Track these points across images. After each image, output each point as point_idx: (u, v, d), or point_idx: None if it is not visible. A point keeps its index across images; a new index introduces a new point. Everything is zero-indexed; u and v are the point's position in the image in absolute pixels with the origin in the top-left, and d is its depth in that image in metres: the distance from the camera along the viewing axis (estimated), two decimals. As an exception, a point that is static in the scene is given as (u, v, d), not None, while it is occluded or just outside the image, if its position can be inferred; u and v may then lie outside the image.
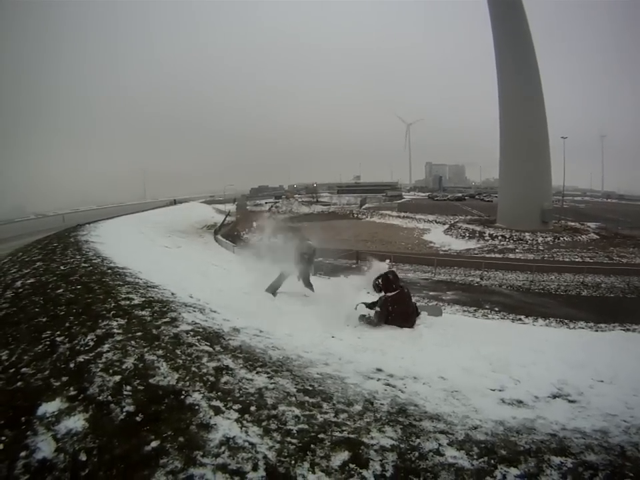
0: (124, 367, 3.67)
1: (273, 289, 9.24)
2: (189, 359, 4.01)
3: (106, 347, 4.14)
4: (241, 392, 3.36)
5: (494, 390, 4.12)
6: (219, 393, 3.29)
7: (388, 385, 4.03)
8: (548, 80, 46.36)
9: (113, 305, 5.84)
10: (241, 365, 4.01)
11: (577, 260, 32.09)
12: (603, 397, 3.95)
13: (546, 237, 39.90)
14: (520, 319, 17.34)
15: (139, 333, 4.61)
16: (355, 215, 67.98)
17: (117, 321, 5.03)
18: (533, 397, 3.92)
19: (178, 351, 4.17)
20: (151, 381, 3.43)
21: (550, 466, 2.57)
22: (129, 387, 3.28)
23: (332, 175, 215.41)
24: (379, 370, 4.47)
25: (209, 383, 3.48)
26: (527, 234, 40.44)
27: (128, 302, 6.08)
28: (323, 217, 67.08)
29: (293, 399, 3.36)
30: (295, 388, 3.60)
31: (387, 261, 9.24)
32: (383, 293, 7.22)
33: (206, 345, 4.52)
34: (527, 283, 25.13)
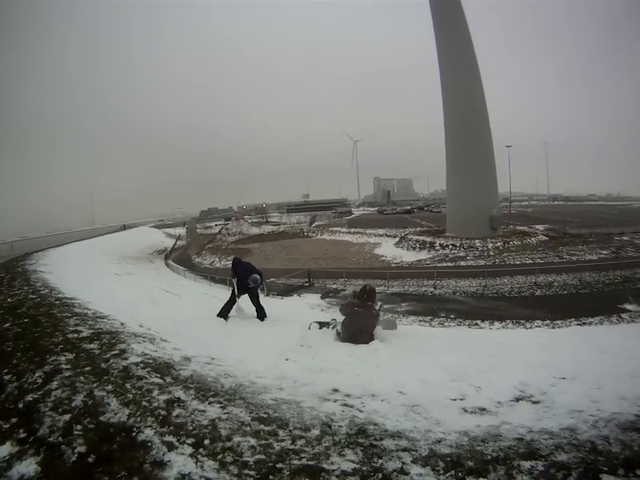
0: (73, 404, 3.50)
1: (225, 313, 9.07)
2: (139, 392, 3.83)
3: (54, 384, 3.96)
4: (193, 425, 3.22)
5: (455, 400, 4.05)
6: (171, 427, 3.15)
7: (345, 405, 3.91)
8: (491, 91, 47.60)
9: (60, 338, 5.63)
10: (193, 396, 3.85)
11: (527, 262, 32.89)
12: (566, 394, 3.97)
13: (496, 243, 40.61)
14: (476, 324, 17.60)
15: (88, 368, 4.42)
16: (306, 234, 68.53)
17: (65, 355, 4.84)
18: (496, 403, 3.90)
19: (128, 385, 4.00)
20: (101, 418, 3.26)
21: (520, 471, 2.53)
22: (79, 426, 3.12)
23: (281, 195, 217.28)
24: (336, 390, 4.34)
25: (161, 417, 3.33)
26: (477, 241, 41.11)
27: (76, 335, 5.85)
28: (274, 236, 67.99)
29: (248, 428, 3.23)
30: (249, 416, 3.46)
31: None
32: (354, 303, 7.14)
33: (156, 376, 4.34)
34: (481, 289, 25.40)
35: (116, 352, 5.09)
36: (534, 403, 3.87)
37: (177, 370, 4.68)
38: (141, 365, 4.66)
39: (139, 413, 3.38)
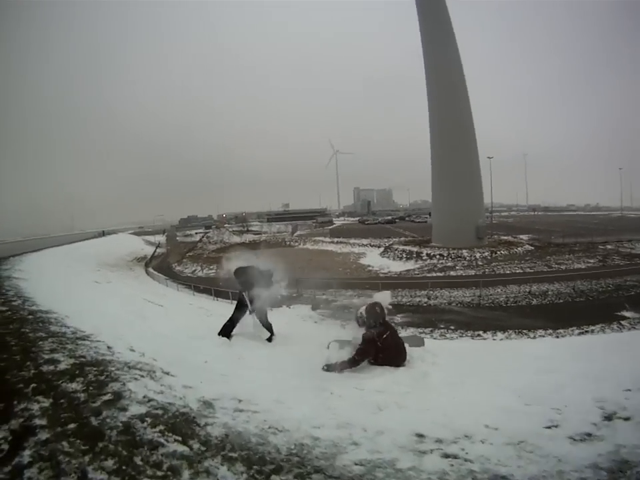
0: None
1: (227, 332, 7.83)
2: (161, 476, 2.43)
3: (27, 455, 2.56)
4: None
5: (550, 427, 3.60)
6: None
7: (447, 456, 3.09)
8: (475, 103, 47.82)
9: (32, 371, 4.26)
10: (246, 477, 2.51)
11: (517, 271, 32.63)
12: (650, 407, 3.73)
13: (483, 252, 40.44)
14: (479, 335, 17.09)
15: (72, 425, 3.01)
16: (288, 243, 68.45)
17: (38, 402, 3.43)
18: (592, 425, 3.53)
19: (138, 460, 2.57)
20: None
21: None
22: None
23: (260, 204, 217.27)
24: (420, 436, 3.46)
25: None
26: (464, 251, 40.82)
27: (52, 367, 4.46)
28: (255, 245, 67.21)
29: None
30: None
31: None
32: (363, 329, 6.12)
33: (176, 440, 2.94)
34: (476, 299, 24.94)
35: (108, 397, 3.68)
36: (625, 419, 3.59)
37: (202, 426, 3.29)
38: (148, 420, 3.26)
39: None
